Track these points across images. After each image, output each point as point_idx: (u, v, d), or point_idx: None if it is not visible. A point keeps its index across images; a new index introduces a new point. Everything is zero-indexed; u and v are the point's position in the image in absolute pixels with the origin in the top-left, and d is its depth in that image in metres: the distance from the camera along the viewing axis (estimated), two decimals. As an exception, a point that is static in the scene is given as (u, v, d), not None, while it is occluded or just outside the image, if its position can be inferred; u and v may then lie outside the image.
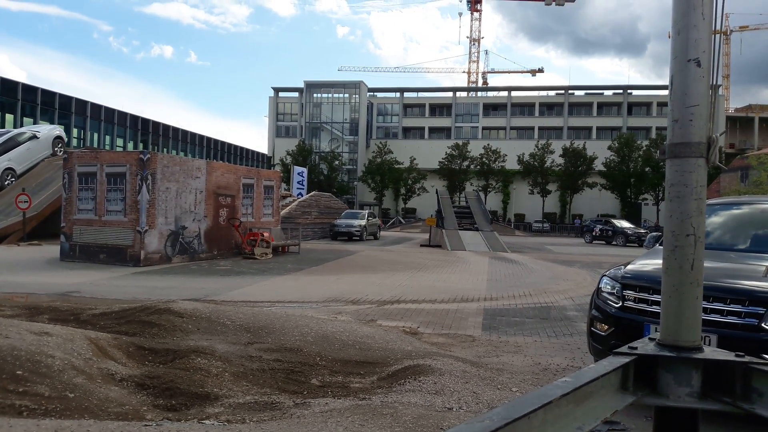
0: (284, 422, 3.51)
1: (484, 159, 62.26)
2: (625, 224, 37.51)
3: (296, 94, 77.65)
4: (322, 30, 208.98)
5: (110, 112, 45.01)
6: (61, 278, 11.38)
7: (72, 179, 15.12)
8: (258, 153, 69.88)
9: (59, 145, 23.33)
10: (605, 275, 5.08)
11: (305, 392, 4.47)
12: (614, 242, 34.99)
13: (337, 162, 65.13)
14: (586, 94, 78.60)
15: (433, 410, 3.91)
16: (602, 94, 78.07)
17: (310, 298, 9.99)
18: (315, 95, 74.15)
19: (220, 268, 14.45)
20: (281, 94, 79.17)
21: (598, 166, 59.82)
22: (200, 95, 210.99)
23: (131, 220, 14.36)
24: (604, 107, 76.87)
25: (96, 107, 43.54)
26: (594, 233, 37.06)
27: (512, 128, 77.57)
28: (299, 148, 63.65)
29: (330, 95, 74.09)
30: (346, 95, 73.66)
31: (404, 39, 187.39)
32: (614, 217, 49.40)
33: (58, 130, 24.47)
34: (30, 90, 39.24)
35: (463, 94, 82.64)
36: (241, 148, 65.19)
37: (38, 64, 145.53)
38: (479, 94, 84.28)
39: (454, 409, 3.98)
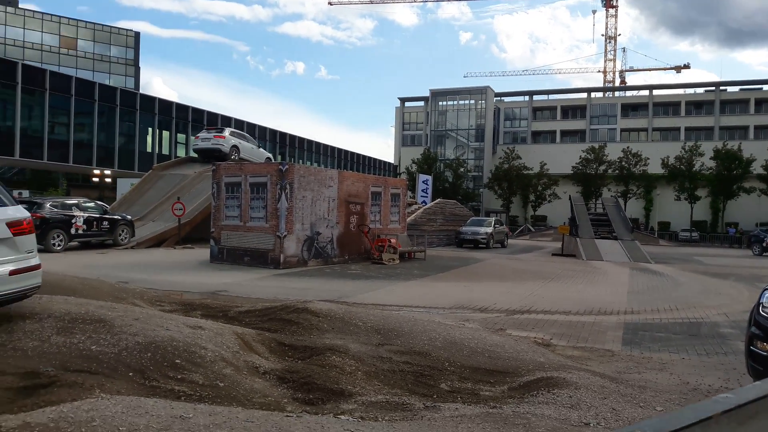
0: (415, 423, 3.55)
1: (623, 163, 58.34)
2: None
3: (422, 103, 78.47)
4: (445, 38, 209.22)
5: (251, 126, 48.47)
6: (211, 278, 12.44)
7: (220, 189, 16.50)
8: (384, 162, 71.56)
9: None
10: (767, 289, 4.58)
11: (435, 396, 4.50)
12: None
13: (462, 169, 64.76)
14: (740, 89, 71.23)
15: (568, 424, 3.76)
16: (761, 89, 70.18)
17: (437, 304, 10.02)
18: (440, 103, 74.46)
19: (351, 271, 14.97)
20: (407, 103, 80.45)
21: (757, 169, 53.65)
22: (330, 108, 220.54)
23: (272, 226, 15.35)
24: (764, 104, 69.08)
25: (239, 123, 47.11)
26: (764, 244, 32.64)
27: (654, 129, 72.22)
28: (424, 156, 64.15)
29: (455, 102, 73.97)
30: (472, 101, 73.10)
31: (531, 40, 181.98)
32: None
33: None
34: (182, 108, 43.48)
35: (599, 94, 78.46)
36: (369, 158, 67.13)
37: (186, 85, 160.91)
38: (617, 94, 79.59)
39: (592, 425, 3.79)
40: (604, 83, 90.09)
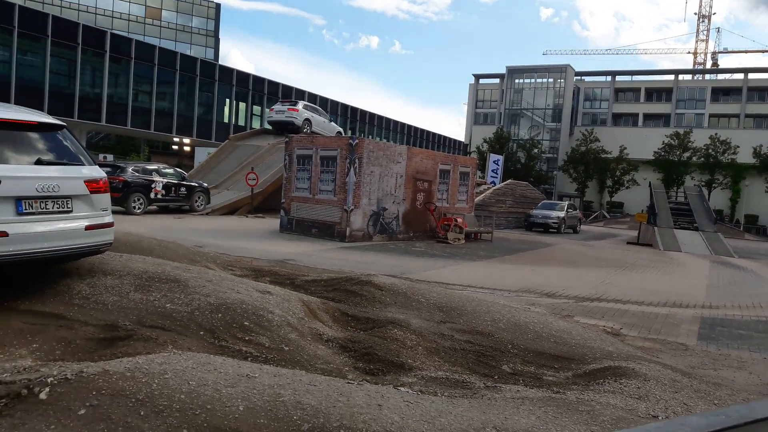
0: (475, 402, 3.52)
1: (709, 150, 54.92)
2: None
3: (497, 81, 76.57)
4: (524, 14, 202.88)
5: (324, 100, 49.02)
6: (280, 247, 12.78)
7: (292, 161, 16.82)
8: (455, 140, 70.67)
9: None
10: None
11: (496, 377, 4.45)
12: None
13: (536, 150, 62.92)
14: None
15: (635, 415, 3.62)
16: None
17: (502, 286, 9.87)
18: (517, 81, 72.41)
19: (415, 249, 14.98)
20: (482, 80, 78.75)
21: None
22: (403, 83, 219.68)
23: (339, 200, 15.54)
24: None
25: (312, 96, 47.73)
26: None
27: (747, 116, 67.34)
28: (497, 136, 62.71)
29: (533, 80, 71.67)
30: (551, 80, 70.60)
31: (615, 18, 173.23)
32: None
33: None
34: (258, 81, 44.47)
35: (687, 77, 73.87)
36: (439, 135, 66.49)
37: (263, 57, 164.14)
38: (707, 77, 74.71)
39: (660, 418, 3.64)
40: (694, 65, 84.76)
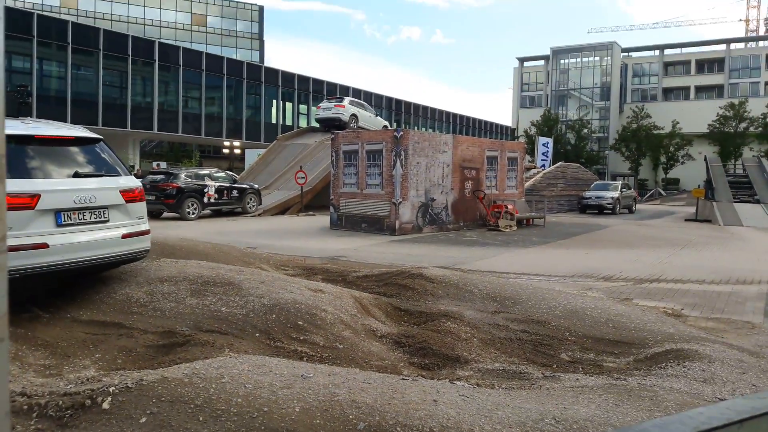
0: (533, 393, 3.46)
1: (767, 119, 52.36)
2: None
3: (542, 63, 74.88)
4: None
5: (368, 95, 49.13)
6: (331, 244, 12.91)
7: (338, 157, 16.94)
8: (501, 125, 69.62)
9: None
10: None
11: (554, 366, 4.37)
12: None
13: (585, 130, 61.21)
14: None
15: (701, 399, 3.48)
16: None
17: (557, 272, 9.66)
18: (562, 61, 70.61)
19: (465, 238, 14.85)
20: (526, 63, 77.17)
21: None
22: (446, 72, 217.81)
23: (387, 193, 15.56)
24: None
25: (356, 91, 47.91)
26: None
27: (807, 81, 63.79)
28: (544, 118, 61.29)
29: (578, 60, 69.74)
30: (597, 58, 68.53)
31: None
32: None
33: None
34: (303, 80, 44.98)
35: (740, 45, 70.27)
36: (485, 122, 65.66)
37: (306, 56, 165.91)
38: (761, 44, 70.85)
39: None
40: (746, 33, 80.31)
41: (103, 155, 5.20)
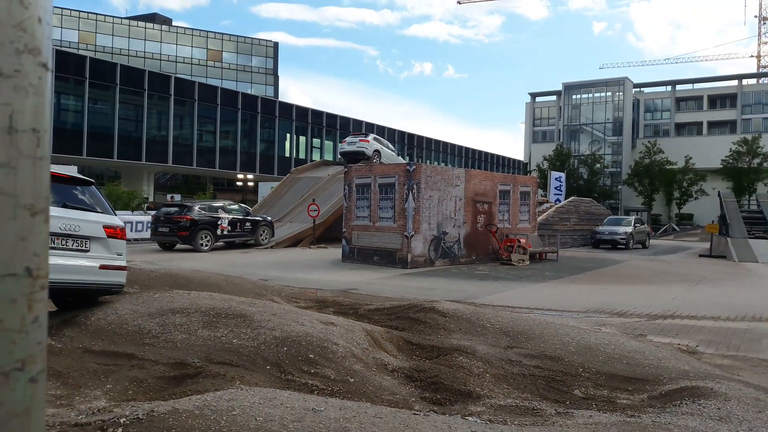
0: (546, 429, 3.42)
1: (781, 154, 52.08)
2: None
3: (554, 98, 75.47)
4: (577, 29, 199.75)
5: (381, 129, 49.68)
6: (343, 277, 12.90)
7: (351, 190, 17.07)
8: (513, 160, 69.90)
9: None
10: None
11: (567, 402, 4.31)
12: None
13: (598, 165, 61.20)
14: None
15: (718, 439, 3.41)
16: None
17: (571, 307, 9.57)
18: (574, 96, 71.10)
19: (478, 272, 14.78)
20: (538, 98, 77.84)
21: None
22: (458, 107, 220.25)
23: (399, 226, 15.60)
24: None
25: (369, 126, 48.47)
26: None
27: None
28: (557, 153, 61.43)
29: (590, 95, 70.22)
30: (608, 94, 68.96)
31: (671, 27, 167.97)
32: None
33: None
34: (317, 114, 45.66)
35: (752, 81, 70.54)
36: (497, 156, 66.02)
37: (320, 91, 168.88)
38: (773, 79, 71.09)
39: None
40: (758, 68, 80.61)
41: (92, 196, 5.65)
